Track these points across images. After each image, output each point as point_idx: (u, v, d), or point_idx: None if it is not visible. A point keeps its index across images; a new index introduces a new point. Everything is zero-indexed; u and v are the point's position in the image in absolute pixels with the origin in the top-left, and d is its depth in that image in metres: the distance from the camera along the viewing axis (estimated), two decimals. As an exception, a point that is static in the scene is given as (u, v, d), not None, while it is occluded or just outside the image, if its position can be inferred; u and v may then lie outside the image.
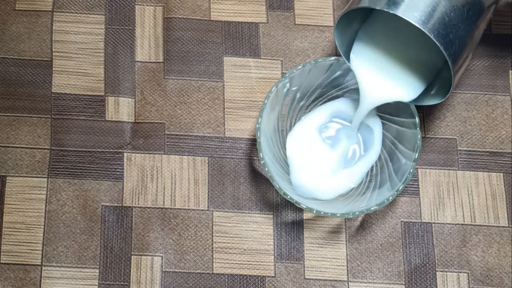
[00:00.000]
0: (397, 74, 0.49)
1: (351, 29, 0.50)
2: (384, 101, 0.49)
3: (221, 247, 0.52)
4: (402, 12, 0.44)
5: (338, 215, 0.47)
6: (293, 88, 0.51)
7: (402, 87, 0.49)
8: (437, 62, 0.50)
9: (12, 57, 0.55)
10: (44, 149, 0.54)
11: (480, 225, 0.53)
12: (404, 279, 0.52)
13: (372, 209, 0.47)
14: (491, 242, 0.52)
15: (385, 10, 0.45)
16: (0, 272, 0.51)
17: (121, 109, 0.54)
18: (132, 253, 0.52)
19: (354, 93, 0.52)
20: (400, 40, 0.50)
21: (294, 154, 0.52)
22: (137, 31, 0.56)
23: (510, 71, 0.56)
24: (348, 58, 0.50)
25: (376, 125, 0.52)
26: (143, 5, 0.57)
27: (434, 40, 0.44)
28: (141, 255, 0.52)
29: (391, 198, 0.48)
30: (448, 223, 0.53)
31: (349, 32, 0.50)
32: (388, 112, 0.52)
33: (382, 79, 0.49)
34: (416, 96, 0.49)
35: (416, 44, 0.49)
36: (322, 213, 0.48)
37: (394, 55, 0.50)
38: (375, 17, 0.51)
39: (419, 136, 0.49)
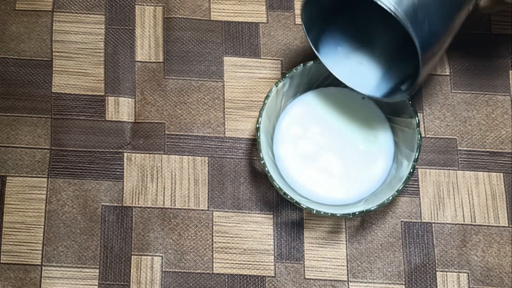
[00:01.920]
0: (366, 69, 0.49)
1: (320, 20, 0.49)
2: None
3: (221, 247, 0.52)
4: None
5: (338, 215, 0.47)
6: (294, 88, 0.51)
7: (369, 81, 0.49)
8: (407, 65, 0.48)
9: (12, 57, 0.55)
10: (44, 149, 0.54)
11: (480, 225, 0.53)
12: (404, 279, 0.52)
13: (372, 209, 0.47)
14: (491, 242, 0.52)
15: None
16: (0, 272, 0.51)
17: (121, 109, 0.54)
18: (132, 253, 0.52)
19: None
20: (368, 36, 0.50)
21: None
22: (137, 31, 0.56)
23: (510, 71, 0.56)
24: (316, 48, 0.49)
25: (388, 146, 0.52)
26: (143, 5, 0.57)
27: (402, 21, 0.41)
28: (141, 255, 0.52)
29: (391, 198, 0.48)
30: (448, 223, 0.53)
31: (318, 22, 0.49)
32: (388, 112, 0.52)
33: (352, 72, 0.49)
34: (383, 91, 0.49)
35: (386, 43, 0.49)
36: (322, 213, 0.48)
37: (364, 50, 0.50)
38: (343, 11, 0.50)
39: (419, 136, 0.49)
